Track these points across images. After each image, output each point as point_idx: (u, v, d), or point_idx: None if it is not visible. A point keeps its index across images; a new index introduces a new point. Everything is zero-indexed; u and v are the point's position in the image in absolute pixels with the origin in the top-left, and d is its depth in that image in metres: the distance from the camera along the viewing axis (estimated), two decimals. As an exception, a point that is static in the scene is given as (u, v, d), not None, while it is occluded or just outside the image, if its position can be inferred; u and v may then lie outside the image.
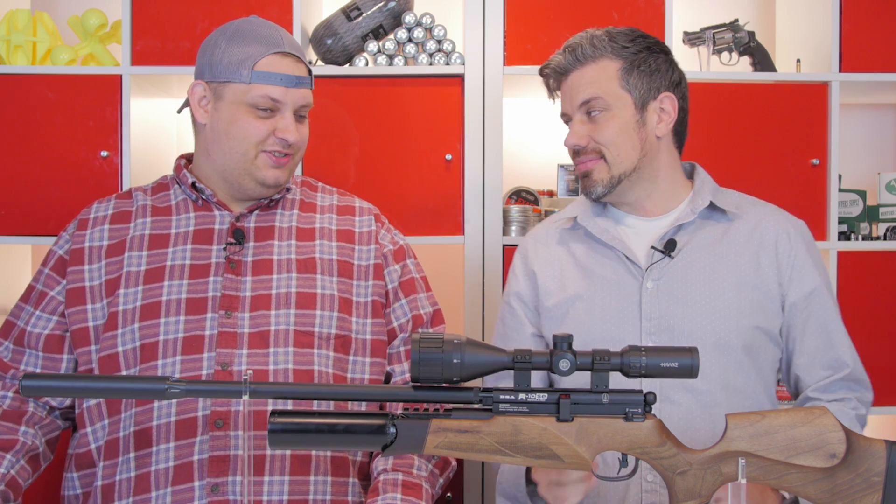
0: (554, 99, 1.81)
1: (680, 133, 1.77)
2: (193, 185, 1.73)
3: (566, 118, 1.77)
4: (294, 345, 1.63)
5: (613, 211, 1.79)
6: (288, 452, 1.59)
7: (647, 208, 1.76)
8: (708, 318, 1.67)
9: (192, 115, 1.74)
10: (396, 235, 1.84)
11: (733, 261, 1.70)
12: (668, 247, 1.70)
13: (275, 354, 1.62)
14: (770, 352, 1.71)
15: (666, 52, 1.75)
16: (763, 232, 1.73)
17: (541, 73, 1.80)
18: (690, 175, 1.81)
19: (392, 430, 1.22)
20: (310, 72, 1.74)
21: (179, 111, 1.78)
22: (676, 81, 1.74)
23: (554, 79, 1.77)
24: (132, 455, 1.58)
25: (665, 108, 1.72)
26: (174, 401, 1.58)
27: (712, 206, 1.75)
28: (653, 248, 1.71)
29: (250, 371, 1.31)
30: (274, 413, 1.23)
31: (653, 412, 1.63)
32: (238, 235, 1.69)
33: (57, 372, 1.68)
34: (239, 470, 1.56)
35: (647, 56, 1.71)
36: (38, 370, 1.67)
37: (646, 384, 1.63)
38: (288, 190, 1.79)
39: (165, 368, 1.59)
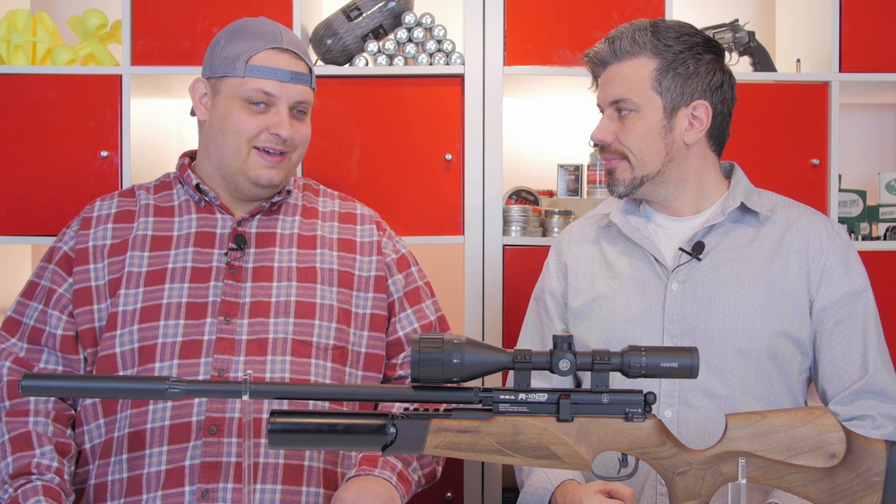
0: (595, 87, 1.76)
1: (717, 136, 1.72)
2: (197, 186, 1.73)
3: (600, 108, 1.74)
4: (292, 354, 1.62)
5: (646, 208, 1.77)
6: (281, 461, 1.58)
7: (676, 209, 1.72)
8: (731, 323, 1.63)
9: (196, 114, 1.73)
10: (398, 243, 1.82)
11: (762, 265, 1.66)
12: (696, 249, 1.66)
13: (272, 363, 1.61)
14: (797, 360, 1.66)
15: (714, 53, 1.69)
16: (795, 235, 1.68)
17: (584, 58, 1.75)
18: (729, 174, 1.77)
19: (392, 430, 1.22)
20: (311, 70, 1.72)
21: (192, 114, 1.75)
22: (716, 86, 1.67)
23: (592, 68, 1.73)
24: (125, 456, 1.58)
25: (698, 115, 1.66)
26: (169, 405, 1.58)
27: (745, 208, 1.70)
28: (680, 249, 1.68)
29: (250, 371, 1.31)
30: (273, 413, 1.22)
31: (671, 415, 1.64)
32: (239, 241, 1.68)
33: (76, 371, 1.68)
34: (230, 477, 1.55)
35: (688, 58, 1.65)
36: (60, 370, 1.66)
37: (664, 385, 1.62)
38: (289, 193, 1.77)
39: (162, 372, 1.59)
